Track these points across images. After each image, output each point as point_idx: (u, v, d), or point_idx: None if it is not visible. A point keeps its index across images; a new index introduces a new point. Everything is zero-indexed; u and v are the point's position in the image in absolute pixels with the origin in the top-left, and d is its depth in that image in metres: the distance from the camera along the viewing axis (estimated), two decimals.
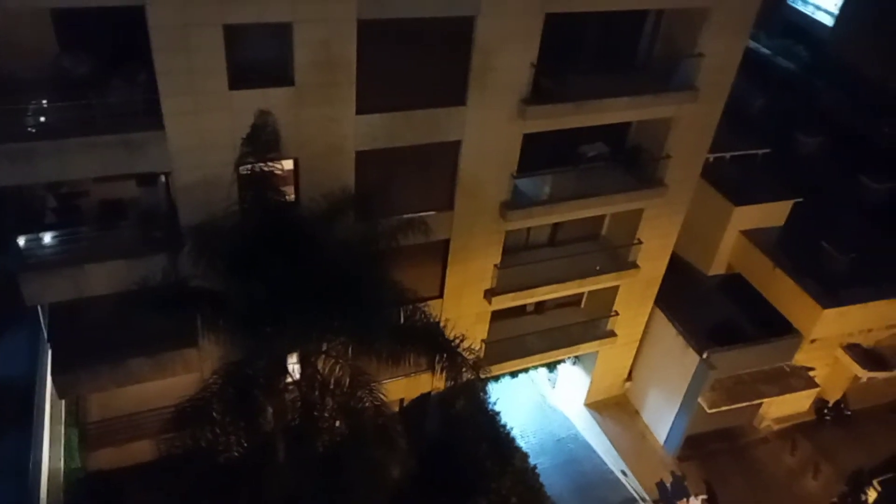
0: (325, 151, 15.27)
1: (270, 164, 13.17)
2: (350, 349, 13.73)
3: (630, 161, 19.97)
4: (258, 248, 12.31)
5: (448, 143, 16.65)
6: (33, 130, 13.27)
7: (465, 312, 19.77)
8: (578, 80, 17.31)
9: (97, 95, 13.29)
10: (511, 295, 20.04)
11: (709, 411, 22.34)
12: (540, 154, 18.23)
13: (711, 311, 23.44)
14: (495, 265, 19.46)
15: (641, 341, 24.37)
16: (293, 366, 14.35)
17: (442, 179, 17.32)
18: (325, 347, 13.56)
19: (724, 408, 22.30)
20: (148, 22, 12.57)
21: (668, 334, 23.26)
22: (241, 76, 13.83)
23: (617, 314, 22.77)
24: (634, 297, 22.75)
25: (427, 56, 15.30)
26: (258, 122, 13.58)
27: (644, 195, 19.90)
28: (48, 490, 16.01)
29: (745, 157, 24.81)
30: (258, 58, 14.11)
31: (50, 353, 16.73)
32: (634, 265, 21.44)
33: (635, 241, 21.03)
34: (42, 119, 13.38)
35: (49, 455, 16.58)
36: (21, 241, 14.74)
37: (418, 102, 15.67)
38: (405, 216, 14.87)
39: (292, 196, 15.31)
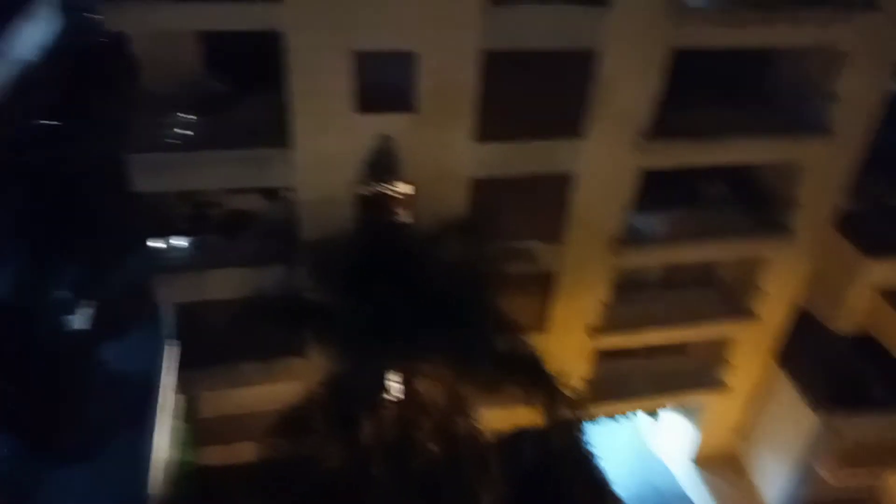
0: (439, 176, 15.55)
1: (388, 186, 13.59)
2: (450, 373, 13.74)
3: (754, 203, 18.98)
4: (370, 266, 12.66)
5: (563, 175, 16.52)
6: (173, 142, 14.39)
7: (567, 348, 19.33)
8: (702, 115, 16.75)
9: (233, 112, 14.27)
10: (617, 335, 19.43)
11: (828, 480, 20.53)
12: (657, 191, 17.70)
13: (837, 371, 21.63)
14: (603, 302, 18.96)
15: (756, 397, 22.85)
16: (393, 384, 14.52)
17: (553, 210, 17.16)
18: (425, 369, 13.65)
19: (845, 477, 20.41)
20: (284, 46, 13.37)
21: (786, 392, 21.68)
22: (366, 100, 14.41)
23: (730, 365, 21.51)
24: (750, 349, 21.42)
25: (546, 87, 15.32)
26: (379, 145, 14.08)
27: (767, 241, 18.83)
28: (159, 481, 16.92)
29: (884, 205, 22.95)
30: (383, 83, 14.65)
31: (175, 350, 17.80)
32: (752, 314, 20.24)
33: (755, 289, 19.86)
34: (181, 132, 14.48)
35: (163, 447, 17.56)
36: (156, 244, 15.91)
37: (535, 132, 15.68)
38: (514, 244, 14.83)
39: (406, 218, 15.65)
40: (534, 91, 15.30)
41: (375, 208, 13.90)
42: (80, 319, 22.07)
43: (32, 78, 36.26)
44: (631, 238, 17.86)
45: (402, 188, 15.42)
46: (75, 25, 41.41)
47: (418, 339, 12.62)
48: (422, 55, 14.10)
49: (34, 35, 38.86)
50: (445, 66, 14.29)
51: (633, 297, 19.85)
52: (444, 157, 15.37)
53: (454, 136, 15.17)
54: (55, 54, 38.25)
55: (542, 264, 16.71)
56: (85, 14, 41.72)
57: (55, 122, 27.82)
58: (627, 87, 15.39)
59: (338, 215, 14.41)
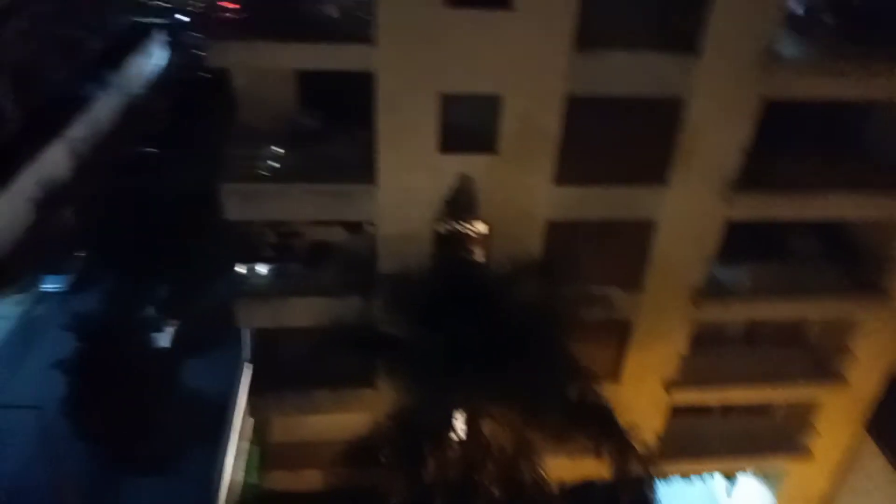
0: (517, 217, 15.58)
1: (465, 225, 13.73)
2: (518, 416, 13.55)
3: (847, 261, 18.06)
4: (444, 303, 12.75)
5: (644, 222, 16.24)
6: (264, 174, 15.06)
7: (641, 400, 18.71)
8: (794, 167, 16.17)
9: (322, 148, 14.84)
10: (695, 390, 18.69)
11: None
12: (742, 242, 17.10)
13: None
14: (680, 355, 18.33)
15: (842, 466, 21.38)
16: (461, 423, 14.43)
17: (632, 257, 16.83)
18: (493, 410, 13.52)
19: None
20: (375, 86, 13.86)
21: (875, 463, 20.18)
22: (449, 140, 14.68)
23: (815, 430, 20.27)
24: (838, 414, 20.13)
25: (631, 132, 15.19)
26: (459, 185, 14.29)
27: (861, 301, 17.82)
28: (226, 500, 17.34)
29: None
30: (466, 124, 14.91)
31: (249, 373, 18.34)
32: (841, 378, 19.08)
33: (845, 352, 18.76)
34: (272, 164, 15.14)
35: (232, 467, 18.02)
36: (241, 270, 16.55)
37: (617, 177, 15.53)
38: (590, 289, 14.61)
39: (482, 257, 15.72)
40: (617, 136, 15.19)
41: (452, 246, 14.04)
42: (164, 337, 23.21)
43: (139, 108, 38.94)
44: (713, 290, 17.27)
45: (480, 227, 15.53)
46: (181, 60, 44.41)
47: (488, 379, 12.55)
48: (506, 98, 14.31)
49: (144, 68, 41.84)
50: (529, 109, 14.44)
51: (712, 352, 19.09)
52: (523, 198, 15.42)
53: (534, 179, 15.22)
54: (161, 86, 41.03)
55: (619, 312, 16.34)
56: (191, 50, 44.71)
57: (156, 150, 29.79)
58: (715, 135, 15.09)
59: (416, 251, 14.63)
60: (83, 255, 26.73)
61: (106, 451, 18.01)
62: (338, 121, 15.72)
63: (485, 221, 15.60)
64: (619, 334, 17.85)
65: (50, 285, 26.44)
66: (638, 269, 16.93)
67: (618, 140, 15.24)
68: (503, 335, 12.66)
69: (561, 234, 15.97)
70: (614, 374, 18.31)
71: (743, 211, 16.05)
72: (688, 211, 16.00)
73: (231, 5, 14.42)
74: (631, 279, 17.03)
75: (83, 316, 18.14)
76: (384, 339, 13.76)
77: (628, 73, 14.27)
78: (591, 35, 13.81)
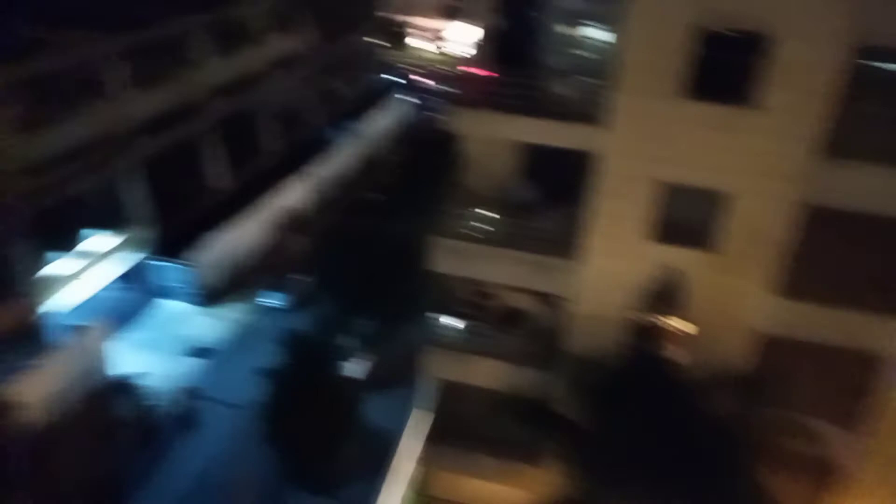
0: (726, 322, 14.58)
1: (665, 319, 13.15)
2: None
3: None
4: (629, 397, 12.20)
5: (871, 354, 14.35)
6: (474, 235, 15.75)
7: None
8: None
9: (533, 218, 15.22)
10: None
11: None
12: None
13: None
14: None
15: None
16: None
17: (853, 392, 14.88)
18: None
19: None
20: (595, 167, 13.99)
21: None
22: (663, 231, 14.28)
23: None
24: None
25: (871, 253, 13.67)
26: (666, 277, 13.77)
27: None
28: None
29: None
30: (683, 217, 14.41)
31: (427, 421, 18.81)
32: None
33: None
34: (483, 227, 15.78)
35: None
36: (436, 319, 17.27)
37: (847, 300, 13.96)
38: (797, 417, 13.15)
39: (678, 356, 14.88)
40: (855, 255, 13.75)
41: (648, 339, 13.49)
42: (356, 368, 24.71)
43: (375, 157, 42.88)
44: None
45: (680, 325, 14.76)
46: (418, 120, 48.36)
47: (664, 484, 11.69)
48: (733, 197, 13.65)
49: (383, 122, 46.13)
50: (757, 212, 13.62)
51: None
52: (735, 304, 14.42)
53: (751, 285, 14.20)
54: (397, 141, 44.90)
55: (828, 450, 14.45)
56: (428, 112, 48.55)
57: (384, 197, 32.53)
58: None
59: (608, 335, 14.27)
60: (305, 279, 29.69)
61: (285, 462, 19.36)
62: (552, 194, 16.05)
63: (687, 320, 14.80)
64: (824, 474, 15.70)
65: (272, 301, 29.64)
66: (857, 407, 14.91)
67: (857, 260, 13.79)
68: (688, 444, 11.79)
69: (773, 350, 14.63)
70: None
71: None
72: None
73: (484, 72, 15.46)
74: (847, 416, 15.02)
75: (294, 334, 19.91)
76: (559, 420, 13.47)
77: (879, 189, 12.95)
78: (840, 142, 12.81)
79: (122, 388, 23.37)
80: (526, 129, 14.65)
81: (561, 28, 16.18)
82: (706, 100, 13.05)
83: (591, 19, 16.04)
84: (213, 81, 30.67)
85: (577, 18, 16.16)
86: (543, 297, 16.95)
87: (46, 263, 23.74)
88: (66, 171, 23.43)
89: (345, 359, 22.51)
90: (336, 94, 44.48)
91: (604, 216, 14.31)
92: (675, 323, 13.39)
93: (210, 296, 29.50)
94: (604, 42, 15.79)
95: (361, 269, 21.53)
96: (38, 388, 19.31)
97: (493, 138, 15.33)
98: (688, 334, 14.82)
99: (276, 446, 19.06)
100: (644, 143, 13.60)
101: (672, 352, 13.59)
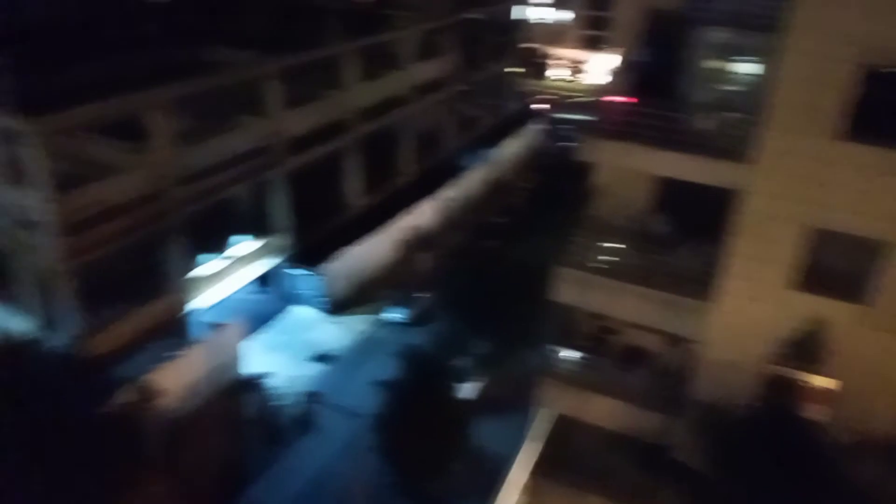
0: (878, 383, 13.22)
1: (805, 374, 12.17)
2: None
3: None
4: (760, 453, 11.36)
5: None
6: (600, 267, 15.38)
7: None
8: None
9: (664, 254, 14.65)
10: None
11: None
12: None
13: None
14: None
15: None
16: None
17: None
18: None
19: None
20: (737, 206, 13.29)
21: None
22: (809, 279, 13.28)
23: None
24: None
25: None
26: (810, 329, 12.77)
27: None
28: None
29: None
30: (833, 265, 13.34)
31: (536, 453, 18.47)
32: None
33: None
34: (610, 259, 15.39)
35: None
36: (554, 350, 16.99)
37: None
38: None
39: (818, 415, 13.69)
40: None
41: (783, 392, 12.50)
42: (468, 390, 24.79)
43: (504, 183, 43.23)
44: None
45: (822, 382, 13.58)
46: (552, 148, 48.31)
47: None
48: (892, 247, 12.46)
49: (517, 148, 46.45)
50: None
51: None
52: (887, 363, 13.09)
53: None
54: (527, 167, 45.03)
55: None
56: (563, 141, 48.38)
57: (510, 222, 32.73)
58: None
59: (739, 385, 13.38)
60: (427, 296, 30.33)
61: (395, 473, 19.72)
62: (687, 231, 15.41)
63: (830, 376, 13.61)
64: None
65: (394, 315, 30.51)
66: None
67: None
68: None
69: None
70: None
71: None
72: None
73: (623, 103, 15.20)
74: None
75: (412, 349, 20.35)
76: (677, 467, 12.77)
77: None
78: None
79: (251, 385, 24.84)
80: (664, 162, 14.20)
81: (707, 61, 15.62)
82: (867, 141, 12.07)
83: (741, 53, 15.36)
84: (358, 103, 32.30)
85: (725, 52, 15.54)
86: (670, 338, 16.23)
87: (196, 264, 25.85)
88: (218, 181, 25.47)
89: (459, 378, 22.68)
90: (473, 119, 45.41)
91: (743, 258, 13.52)
92: (815, 379, 12.32)
93: (337, 305, 30.83)
94: (752, 76, 15.06)
95: (483, 291, 21.68)
96: (178, 379, 20.96)
97: (629, 169, 14.97)
98: (829, 392, 13.61)
99: (388, 457, 19.46)
100: (793, 184, 12.76)
101: (810, 409, 12.51)
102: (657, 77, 15.87)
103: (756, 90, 13.91)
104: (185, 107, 23.89)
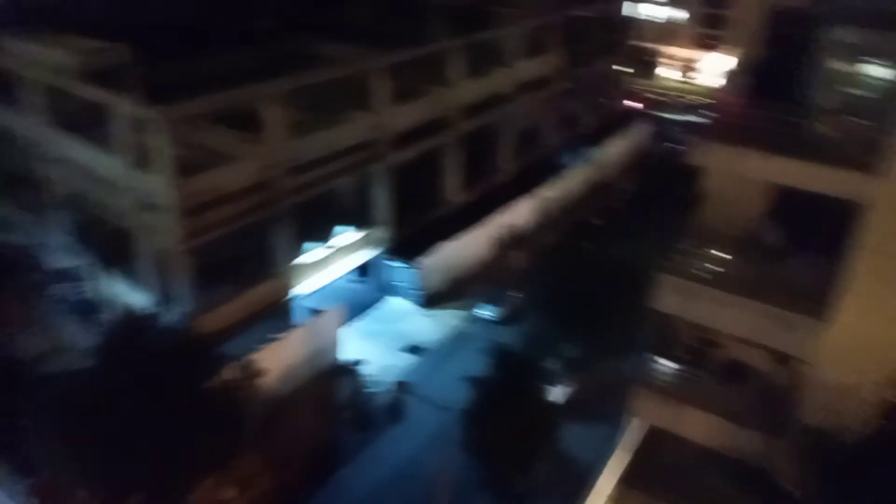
0: None
1: None
2: None
3: None
4: (873, 483, 10.59)
5: None
6: (703, 276, 14.76)
7: None
8: None
9: (775, 267, 13.89)
10: None
11: None
12: None
13: None
14: None
15: None
16: None
17: None
18: None
19: None
20: (858, 217, 12.42)
21: None
22: None
23: None
24: None
25: None
26: None
27: None
28: None
29: None
30: None
31: (625, 462, 18.01)
32: None
33: None
34: (714, 268, 14.74)
35: None
36: (649, 359, 16.49)
37: None
38: None
39: None
40: None
41: None
42: (556, 393, 24.47)
43: (605, 184, 42.30)
44: None
45: None
46: (658, 149, 46.82)
47: None
48: None
49: (621, 149, 45.32)
50: None
51: None
52: None
53: None
54: (631, 169, 43.85)
55: None
56: (670, 143, 46.82)
57: (609, 224, 32.03)
58: None
59: (852, 409, 12.47)
60: (518, 295, 30.20)
61: (480, 469, 19.77)
62: (802, 243, 14.55)
63: None
64: None
65: (484, 312, 30.55)
66: None
67: None
68: None
69: None
70: None
71: None
72: None
73: (739, 106, 14.54)
74: None
75: (502, 347, 20.29)
76: (777, 491, 12.10)
77: None
78: None
79: (346, 371, 25.62)
80: (782, 169, 13.45)
81: (833, 63, 14.62)
82: None
83: (872, 55, 14.27)
84: (462, 100, 32.50)
85: (854, 53, 14.49)
86: (777, 356, 15.39)
87: (300, 252, 26.89)
88: (325, 172, 26.35)
89: (549, 380, 22.41)
90: (576, 118, 44.67)
91: (864, 275, 12.61)
92: None
93: (431, 299, 31.21)
94: (883, 80, 13.99)
95: (578, 293, 21.29)
96: (279, 360, 21.90)
97: (742, 175, 14.26)
98: None
99: (474, 453, 19.53)
100: None
101: None
102: (777, 79, 15.06)
103: (887, 96, 12.93)
104: (296, 100, 24.84)
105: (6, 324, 23.88)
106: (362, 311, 30.23)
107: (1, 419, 17.86)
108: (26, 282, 26.32)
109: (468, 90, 32.78)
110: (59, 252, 26.99)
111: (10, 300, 24.91)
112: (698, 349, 16.58)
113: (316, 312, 24.56)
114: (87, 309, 25.61)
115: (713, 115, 15.49)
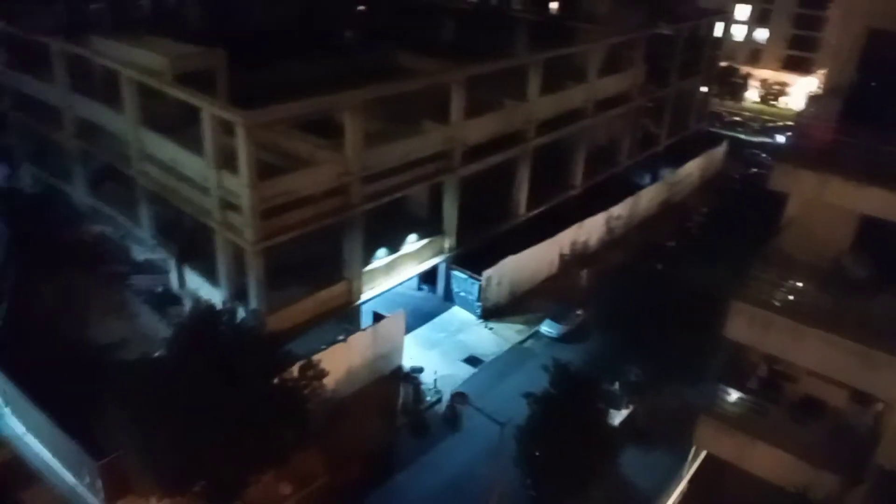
0: None
1: None
2: None
3: None
4: None
5: None
6: (779, 305, 14.09)
7: None
8: None
9: (860, 299, 13.17)
10: None
11: None
12: None
13: None
14: None
15: None
16: None
17: None
18: None
19: None
20: None
21: None
22: None
23: None
24: None
25: None
26: None
27: None
28: None
29: None
30: None
31: (682, 490, 17.49)
32: None
33: None
34: (790, 298, 14.07)
35: None
36: (718, 388, 15.89)
37: None
38: None
39: None
40: None
41: None
42: (616, 415, 23.90)
43: (680, 205, 41.32)
44: None
45: None
46: (739, 173, 45.41)
47: None
48: None
49: (697, 170, 44.16)
50: None
51: None
52: None
53: None
54: (710, 191, 42.69)
55: None
56: (752, 167, 45.45)
57: (680, 246, 31.29)
58: None
59: None
60: (581, 313, 29.73)
61: (536, 489, 19.48)
62: (890, 277, 13.76)
63: None
64: None
65: (546, 329, 30.18)
66: None
67: None
68: None
69: None
70: None
71: None
72: None
73: (829, 131, 13.88)
74: None
75: (562, 365, 19.95)
76: None
77: None
78: None
79: (406, 377, 25.79)
80: (871, 198, 12.78)
81: None
82: None
83: None
84: (537, 115, 32.38)
85: None
86: (857, 394, 14.61)
87: (372, 258, 27.31)
88: (398, 181, 26.71)
89: (609, 402, 21.90)
90: (654, 137, 43.79)
91: None
92: None
93: (492, 311, 31.07)
94: None
95: (645, 315, 20.72)
96: (343, 362, 22.28)
97: (826, 203, 13.61)
98: None
99: (528, 470, 19.26)
100: None
101: None
102: (869, 104, 14.32)
103: None
104: (375, 109, 25.30)
105: (91, 309, 25.25)
106: (425, 320, 30.39)
107: (76, 402, 18.76)
108: (112, 271, 27.79)
109: (545, 104, 32.62)
110: (144, 245, 28.37)
111: (96, 287, 26.33)
112: (771, 381, 15.92)
113: (380, 318, 24.87)
114: (166, 300, 26.79)
115: (800, 139, 14.86)
